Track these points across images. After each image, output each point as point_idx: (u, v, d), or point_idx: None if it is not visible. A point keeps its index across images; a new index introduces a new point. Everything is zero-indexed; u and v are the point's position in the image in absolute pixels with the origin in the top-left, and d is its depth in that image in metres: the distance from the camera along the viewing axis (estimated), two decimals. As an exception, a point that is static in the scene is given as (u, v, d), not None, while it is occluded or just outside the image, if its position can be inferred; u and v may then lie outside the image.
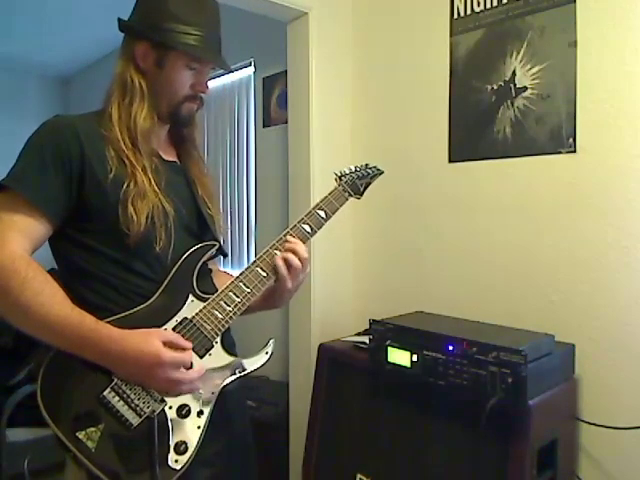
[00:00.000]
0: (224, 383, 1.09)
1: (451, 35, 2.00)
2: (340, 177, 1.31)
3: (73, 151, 1.03)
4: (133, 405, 1.00)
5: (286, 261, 1.15)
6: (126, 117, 1.10)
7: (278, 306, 1.26)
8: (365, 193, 1.35)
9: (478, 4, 1.91)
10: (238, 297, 1.11)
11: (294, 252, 1.16)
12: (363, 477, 1.73)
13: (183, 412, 1.03)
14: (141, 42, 1.11)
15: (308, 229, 1.20)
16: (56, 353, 1.01)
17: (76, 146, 1.03)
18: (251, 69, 2.96)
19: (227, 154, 3.18)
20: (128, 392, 1.00)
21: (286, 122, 2.43)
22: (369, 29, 2.32)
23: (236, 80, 3.09)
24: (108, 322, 1.00)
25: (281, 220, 2.65)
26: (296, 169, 2.33)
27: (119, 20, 1.15)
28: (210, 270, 1.24)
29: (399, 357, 1.59)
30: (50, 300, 0.97)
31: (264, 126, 2.90)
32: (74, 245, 1.07)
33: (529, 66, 1.77)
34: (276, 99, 2.80)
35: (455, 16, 1.98)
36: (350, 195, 1.30)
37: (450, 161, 2.01)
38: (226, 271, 1.38)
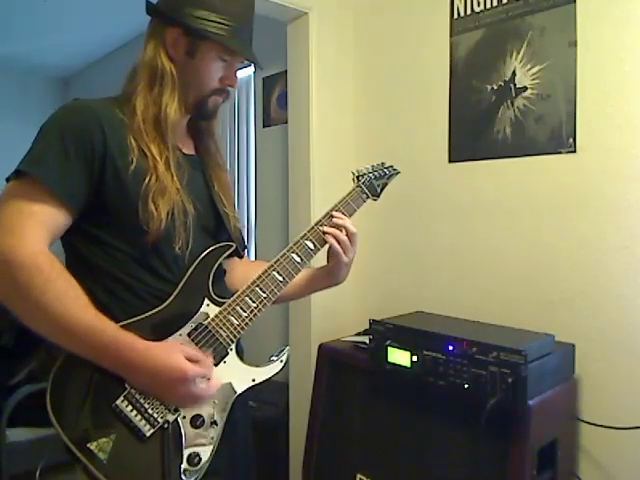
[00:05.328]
0: (238, 392, 1.06)
1: (451, 35, 2.00)
2: (358, 177, 1.26)
3: (96, 138, 0.97)
4: (146, 415, 0.96)
5: (336, 237, 1.17)
6: (154, 108, 1.04)
7: (341, 282, 1.27)
8: (382, 195, 1.31)
9: (478, 4, 1.91)
10: (254, 302, 1.07)
11: (343, 227, 1.18)
12: (363, 477, 1.73)
13: (197, 423, 1.00)
14: (172, 28, 1.05)
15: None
16: (65, 359, 0.96)
17: (98, 132, 0.97)
18: (251, 69, 2.95)
19: (227, 154, 3.18)
20: (142, 401, 0.96)
21: (286, 122, 2.43)
22: (369, 29, 2.32)
23: (236, 80, 3.09)
24: (122, 325, 0.96)
25: (281, 220, 2.65)
26: (296, 169, 2.33)
27: (148, 2, 1.09)
28: (224, 271, 1.19)
29: (399, 357, 1.59)
30: (73, 304, 0.92)
31: (264, 126, 2.90)
32: (88, 240, 1.01)
33: (529, 66, 1.77)
34: (276, 99, 2.80)
35: (455, 16, 1.98)
36: (368, 197, 1.26)
37: (450, 161, 2.01)
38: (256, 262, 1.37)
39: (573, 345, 1.62)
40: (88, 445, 0.92)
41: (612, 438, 1.56)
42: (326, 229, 1.17)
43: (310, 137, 2.25)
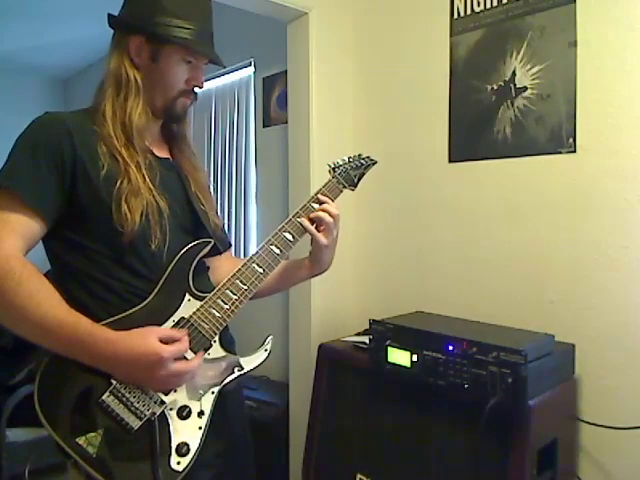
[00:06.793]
0: (224, 382, 1.08)
1: (451, 35, 2.00)
2: (334, 169, 1.29)
3: (65, 148, 1.01)
4: (133, 408, 0.98)
5: (315, 219, 1.20)
6: (121, 113, 1.08)
7: (325, 268, 1.29)
8: (359, 184, 1.33)
9: (478, 4, 1.91)
10: (235, 294, 1.09)
11: (323, 210, 1.20)
12: (363, 477, 1.73)
13: (184, 413, 1.02)
14: (135, 36, 1.10)
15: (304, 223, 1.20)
16: (52, 358, 0.99)
17: (68, 143, 1.02)
18: (251, 69, 2.95)
19: (227, 154, 3.18)
20: (127, 395, 0.99)
21: (286, 122, 2.43)
22: (369, 29, 2.32)
23: (236, 80, 3.09)
24: (105, 324, 0.99)
25: (281, 220, 2.64)
26: (296, 169, 2.33)
27: (109, 15, 1.13)
28: (207, 268, 1.23)
29: (399, 357, 1.59)
30: (46, 302, 0.95)
31: (264, 126, 2.90)
32: (68, 245, 1.05)
33: (529, 66, 1.77)
34: (276, 99, 2.80)
35: (455, 16, 1.98)
36: (344, 187, 1.29)
37: (450, 161, 2.01)
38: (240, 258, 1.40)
39: (573, 345, 1.62)
40: (77, 440, 0.95)
41: (612, 438, 1.56)
42: (312, 214, 1.20)
43: (310, 137, 2.25)
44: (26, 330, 0.97)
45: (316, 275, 1.31)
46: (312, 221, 1.21)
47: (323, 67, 2.27)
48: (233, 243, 3.08)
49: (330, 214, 1.20)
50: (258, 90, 2.92)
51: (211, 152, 3.26)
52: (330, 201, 1.23)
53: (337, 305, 2.32)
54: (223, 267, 1.27)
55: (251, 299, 1.13)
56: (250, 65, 2.95)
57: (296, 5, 2.20)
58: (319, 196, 1.23)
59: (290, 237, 1.18)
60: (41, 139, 1.02)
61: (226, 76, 3.09)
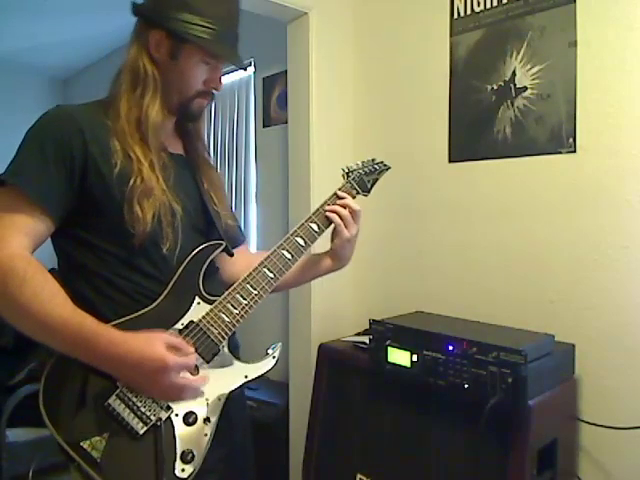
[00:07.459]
0: (231, 389, 1.06)
1: (451, 35, 2.00)
2: (347, 173, 1.27)
3: (75, 144, 0.99)
4: (139, 413, 0.96)
5: (337, 213, 1.20)
6: (137, 110, 1.05)
7: (345, 263, 1.29)
8: (372, 190, 1.32)
9: (478, 4, 1.91)
10: (245, 299, 1.08)
11: (344, 206, 1.20)
12: (363, 477, 1.73)
13: (190, 420, 1.00)
14: (155, 30, 1.06)
15: (316, 227, 1.19)
16: (58, 358, 0.97)
17: (78, 138, 0.99)
18: (251, 69, 2.95)
19: (227, 154, 3.18)
20: (134, 399, 0.97)
21: (286, 122, 2.43)
22: (369, 29, 2.32)
23: (236, 80, 3.09)
24: (113, 325, 0.97)
25: (281, 220, 2.65)
26: (296, 169, 2.33)
27: (133, 3, 1.10)
28: (217, 269, 1.20)
29: (399, 357, 1.59)
30: (50, 300, 0.93)
31: (264, 126, 2.90)
32: (77, 243, 1.03)
33: (529, 66, 1.77)
34: (276, 99, 2.80)
35: (455, 16, 1.98)
36: (358, 192, 1.27)
37: (450, 161, 2.01)
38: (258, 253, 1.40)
39: (573, 345, 1.62)
40: (81, 444, 0.93)
41: (612, 438, 1.56)
42: (329, 207, 1.20)
43: (310, 137, 2.25)
44: (30, 328, 0.94)
45: (336, 270, 1.30)
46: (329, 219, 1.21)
47: (323, 67, 2.27)
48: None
49: (351, 208, 1.21)
50: (258, 90, 2.92)
51: (211, 152, 3.26)
52: (350, 197, 1.23)
53: (337, 305, 2.32)
54: (237, 264, 1.25)
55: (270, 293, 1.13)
56: (250, 65, 2.95)
57: (296, 5, 2.20)
58: (339, 193, 1.23)
59: (302, 242, 1.17)
60: (50, 135, 0.99)
61: (226, 76, 3.09)
